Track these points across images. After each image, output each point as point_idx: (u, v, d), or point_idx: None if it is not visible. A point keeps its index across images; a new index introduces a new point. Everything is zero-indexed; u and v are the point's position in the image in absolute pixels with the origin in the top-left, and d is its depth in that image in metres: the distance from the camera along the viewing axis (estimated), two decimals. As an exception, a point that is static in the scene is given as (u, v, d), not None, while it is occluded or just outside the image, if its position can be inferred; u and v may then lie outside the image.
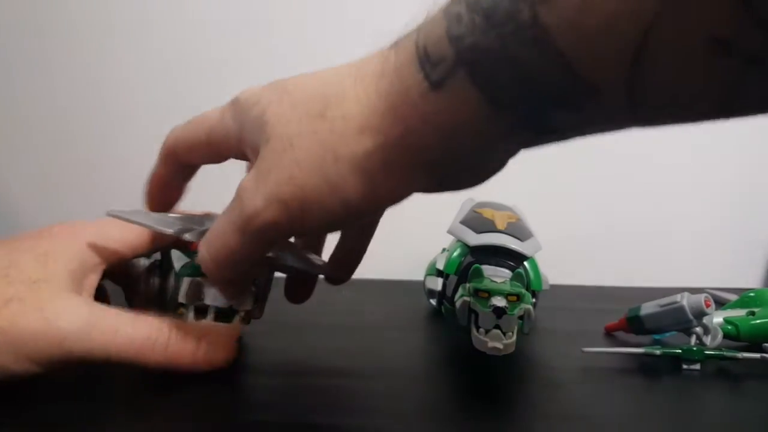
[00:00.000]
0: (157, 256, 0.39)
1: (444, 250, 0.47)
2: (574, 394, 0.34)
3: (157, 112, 0.71)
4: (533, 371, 0.38)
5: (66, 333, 0.27)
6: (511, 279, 0.36)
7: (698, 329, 0.40)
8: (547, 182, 0.66)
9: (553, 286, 0.47)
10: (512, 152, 0.24)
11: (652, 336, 0.43)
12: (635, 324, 0.42)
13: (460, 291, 0.37)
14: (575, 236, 0.69)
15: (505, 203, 0.45)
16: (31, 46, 0.70)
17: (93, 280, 0.32)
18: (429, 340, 0.45)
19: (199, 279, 0.34)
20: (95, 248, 0.32)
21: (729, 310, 0.44)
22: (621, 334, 0.45)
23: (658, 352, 0.39)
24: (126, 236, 0.34)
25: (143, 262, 0.40)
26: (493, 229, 0.40)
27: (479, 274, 0.37)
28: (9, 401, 0.28)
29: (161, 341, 0.30)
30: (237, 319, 0.34)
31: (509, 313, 0.33)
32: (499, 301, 0.33)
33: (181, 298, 0.34)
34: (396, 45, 0.23)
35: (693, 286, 0.46)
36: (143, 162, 0.35)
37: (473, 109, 0.20)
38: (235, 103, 0.28)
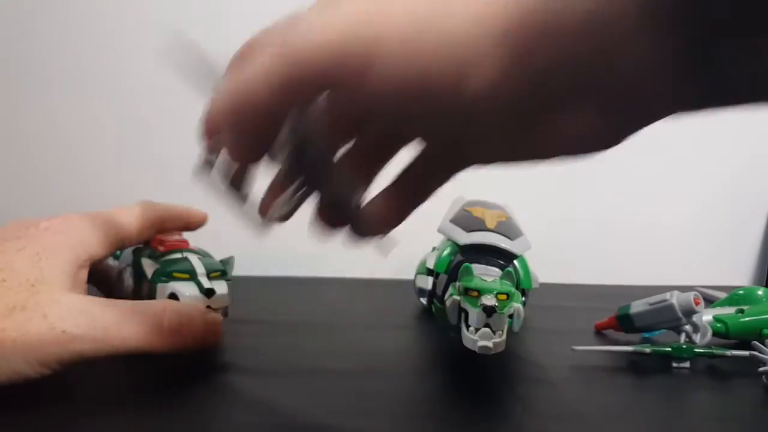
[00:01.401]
0: (129, 260, 0.39)
1: (434, 248, 0.47)
2: (564, 392, 0.34)
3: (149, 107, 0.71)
4: (523, 370, 0.38)
5: (72, 336, 0.28)
6: (501, 278, 0.36)
7: (688, 327, 0.40)
8: (537, 181, 0.66)
9: (543, 285, 0.47)
10: (662, 107, 0.20)
11: (641, 334, 0.43)
12: (625, 322, 0.43)
13: (450, 290, 0.37)
14: (565, 235, 0.69)
15: (495, 202, 0.45)
16: (27, 44, 0.70)
17: (84, 275, 0.32)
18: (419, 339, 0.45)
19: (173, 284, 0.36)
20: (84, 244, 0.32)
21: (718, 308, 0.44)
22: (611, 333, 0.45)
23: (647, 350, 0.39)
24: (109, 231, 0.34)
25: (112, 262, 0.41)
26: (483, 228, 0.40)
27: (469, 273, 0.36)
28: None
29: (162, 329, 0.30)
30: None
31: (499, 311, 0.33)
32: (489, 300, 0.33)
33: None
34: None
35: (682, 284, 0.46)
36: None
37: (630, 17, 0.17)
38: None
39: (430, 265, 0.44)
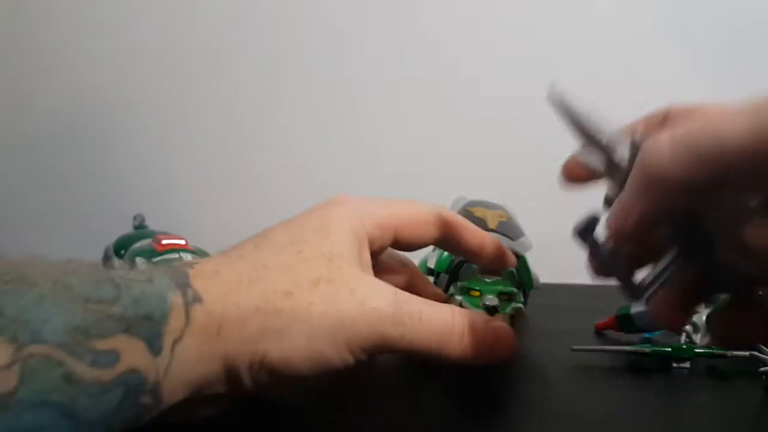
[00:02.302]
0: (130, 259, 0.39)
1: (434, 248, 0.47)
2: (564, 392, 0.34)
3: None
4: (523, 369, 0.38)
5: (381, 316, 0.25)
6: (502, 278, 0.36)
7: (688, 327, 0.40)
8: (538, 181, 0.66)
9: (544, 285, 0.46)
10: None
11: (641, 334, 0.43)
12: (625, 322, 0.42)
13: (451, 290, 0.37)
14: (566, 234, 0.69)
15: (496, 202, 0.45)
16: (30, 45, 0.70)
17: (368, 257, 0.29)
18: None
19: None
20: (365, 220, 0.29)
21: (718, 307, 0.44)
22: (611, 333, 0.45)
23: (647, 350, 0.39)
24: (386, 220, 0.30)
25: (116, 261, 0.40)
26: (484, 228, 0.40)
27: (470, 273, 0.36)
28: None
29: (457, 331, 0.27)
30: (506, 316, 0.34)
31: (500, 311, 0.33)
32: (491, 300, 0.33)
33: None
34: None
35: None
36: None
37: None
38: None
39: (431, 264, 0.43)
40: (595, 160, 0.25)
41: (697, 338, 0.40)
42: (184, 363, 0.22)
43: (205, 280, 0.24)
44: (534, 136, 0.67)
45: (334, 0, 0.71)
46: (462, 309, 0.29)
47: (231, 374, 0.24)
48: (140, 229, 0.51)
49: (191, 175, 0.74)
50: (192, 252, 0.39)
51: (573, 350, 0.38)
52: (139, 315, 0.21)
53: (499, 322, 0.30)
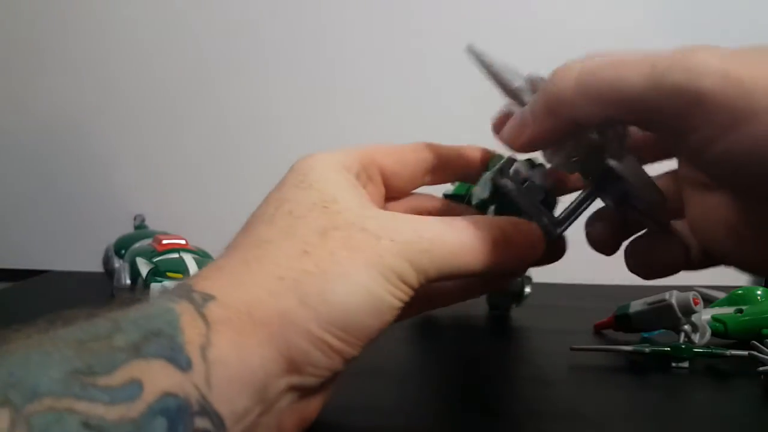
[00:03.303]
0: (128, 259, 0.39)
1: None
2: (563, 392, 0.34)
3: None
4: (522, 369, 0.38)
5: (402, 246, 0.23)
6: None
7: (687, 327, 0.40)
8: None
9: (542, 284, 0.47)
10: None
11: (640, 334, 0.43)
12: (624, 322, 0.43)
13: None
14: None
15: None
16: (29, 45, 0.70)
17: (362, 191, 0.26)
18: (418, 337, 0.45)
19: (166, 284, 0.36)
20: (344, 154, 0.27)
21: (717, 307, 0.44)
22: (610, 332, 0.45)
23: (646, 350, 0.39)
24: (365, 161, 0.28)
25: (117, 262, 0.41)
26: None
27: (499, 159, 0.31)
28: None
29: (486, 241, 0.25)
30: None
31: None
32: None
33: None
34: None
35: (681, 284, 0.46)
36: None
37: None
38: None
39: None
40: (515, 107, 0.27)
41: (696, 338, 0.40)
42: (226, 366, 0.20)
43: (208, 280, 0.22)
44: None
45: (326, 2, 0.71)
46: (481, 217, 0.26)
47: (295, 356, 0.21)
48: (140, 229, 0.51)
49: (191, 175, 0.74)
50: (192, 252, 0.39)
51: (572, 350, 0.38)
52: (146, 335, 0.19)
53: (525, 222, 0.27)
